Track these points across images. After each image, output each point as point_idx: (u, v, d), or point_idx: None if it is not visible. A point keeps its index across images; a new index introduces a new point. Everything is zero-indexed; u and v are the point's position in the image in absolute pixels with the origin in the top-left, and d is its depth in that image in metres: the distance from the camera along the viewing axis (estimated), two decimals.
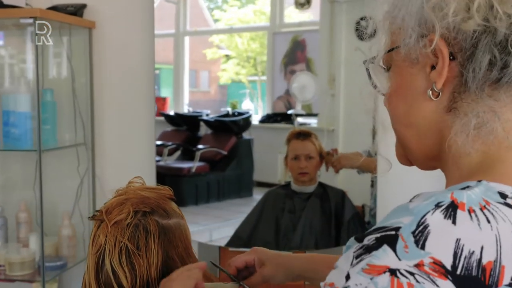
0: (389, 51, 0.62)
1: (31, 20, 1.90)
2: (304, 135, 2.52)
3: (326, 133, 5.06)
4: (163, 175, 5.26)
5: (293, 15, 8.13)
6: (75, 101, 2.20)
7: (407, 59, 0.59)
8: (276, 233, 2.42)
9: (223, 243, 2.55)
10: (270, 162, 5.94)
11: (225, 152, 5.80)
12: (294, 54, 6.66)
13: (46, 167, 2.10)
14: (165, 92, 9.58)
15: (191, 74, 9.61)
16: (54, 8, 2.07)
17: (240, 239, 2.43)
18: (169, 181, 5.26)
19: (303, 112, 6.19)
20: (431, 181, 1.06)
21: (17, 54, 2.26)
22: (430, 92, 0.57)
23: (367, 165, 2.61)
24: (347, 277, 0.48)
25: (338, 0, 5.36)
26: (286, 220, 2.43)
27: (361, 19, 5.64)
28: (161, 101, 8.15)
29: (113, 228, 0.93)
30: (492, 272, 0.46)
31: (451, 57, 0.56)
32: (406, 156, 0.65)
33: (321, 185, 2.51)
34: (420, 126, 0.60)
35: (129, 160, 2.27)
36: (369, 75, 0.67)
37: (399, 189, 1.88)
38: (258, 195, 2.67)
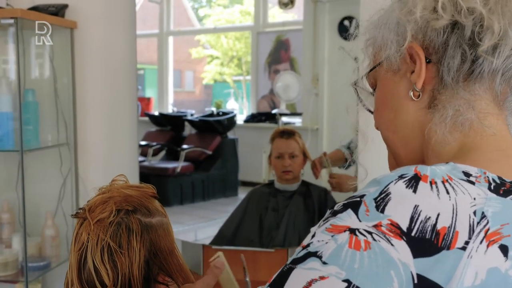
0: (372, 69, 0.67)
1: (11, 21, 1.89)
2: (288, 133, 2.53)
3: (310, 132, 5.11)
4: (148, 175, 5.26)
5: (277, 14, 8.13)
6: (57, 101, 2.20)
7: (390, 70, 0.65)
8: (260, 231, 2.43)
9: (208, 242, 2.55)
10: (255, 161, 5.96)
11: (209, 152, 5.81)
12: (278, 54, 6.69)
13: (28, 167, 2.09)
14: (150, 92, 9.49)
15: (175, 74, 9.54)
16: (35, 8, 2.06)
17: (224, 237, 2.44)
18: (154, 181, 5.23)
19: (287, 111, 6.21)
20: None
21: None
22: (411, 93, 0.62)
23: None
24: (313, 236, 0.52)
25: (321, 0, 5.39)
26: (270, 218, 2.44)
27: (344, 18, 5.66)
28: (145, 101, 8.09)
29: (95, 226, 0.93)
30: (445, 236, 0.49)
31: (427, 60, 0.61)
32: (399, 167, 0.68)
33: (305, 183, 2.53)
34: (405, 129, 0.64)
35: (112, 159, 2.27)
36: (357, 95, 0.72)
37: None
38: (243, 194, 2.69)
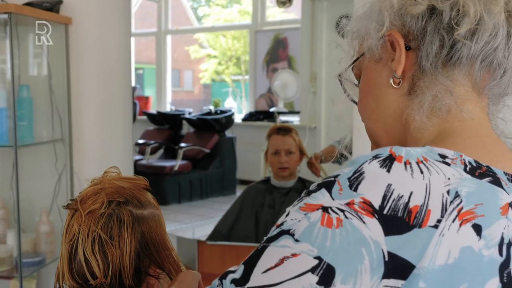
0: (356, 60, 0.68)
1: (5, 16, 1.89)
2: (284, 130, 2.53)
3: (308, 130, 5.10)
4: (146, 174, 5.24)
5: (275, 13, 8.12)
6: (52, 97, 2.19)
7: (372, 59, 0.65)
8: (256, 228, 2.43)
9: None
10: (253, 160, 5.97)
11: (207, 150, 5.80)
12: (276, 52, 6.69)
13: (23, 163, 2.09)
14: (149, 91, 9.50)
15: (174, 74, 9.55)
16: (29, 4, 2.05)
17: (220, 234, 2.44)
18: (152, 179, 5.20)
19: (285, 110, 6.21)
20: None
21: None
22: (391, 80, 0.63)
23: None
24: (287, 215, 0.53)
25: None
26: (266, 215, 2.44)
27: (342, 17, 5.67)
28: (143, 100, 8.08)
29: (87, 218, 0.93)
30: (417, 215, 0.49)
31: (407, 47, 0.61)
32: None
33: (301, 180, 2.52)
34: (387, 117, 0.64)
35: (107, 155, 2.26)
36: (342, 86, 0.73)
37: None
38: (241, 192, 2.70)
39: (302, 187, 2.49)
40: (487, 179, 0.52)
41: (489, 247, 0.49)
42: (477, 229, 0.49)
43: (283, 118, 5.73)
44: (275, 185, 2.50)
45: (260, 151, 5.38)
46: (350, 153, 2.58)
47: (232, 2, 9.16)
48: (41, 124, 2.18)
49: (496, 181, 0.52)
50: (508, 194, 0.52)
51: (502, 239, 0.50)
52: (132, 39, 5.43)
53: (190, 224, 4.71)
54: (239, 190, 5.88)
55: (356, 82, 0.71)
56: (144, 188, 1.02)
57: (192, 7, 9.88)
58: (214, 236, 2.44)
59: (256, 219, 2.45)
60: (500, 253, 0.50)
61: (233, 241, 2.37)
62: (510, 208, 0.52)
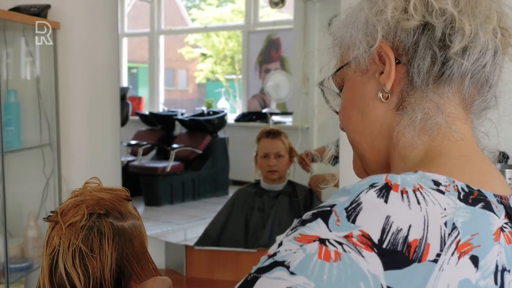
0: (339, 69, 0.66)
1: None
2: (273, 133, 2.54)
3: (301, 131, 5.09)
4: (138, 175, 5.23)
5: (268, 14, 8.10)
6: (40, 102, 2.19)
7: (358, 70, 0.63)
8: (246, 231, 2.43)
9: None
10: (246, 160, 5.92)
11: (200, 151, 5.78)
12: (269, 53, 6.66)
13: (11, 168, 2.08)
14: (143, 91, 9.45)
15: (168, 73, 9.50)
16: (17, 9, 2.05)
17: (209, 237, 2.44)
18: (144, 180, 5.22)
19: (277, 110, 6.20)
20: None
21: None
22: (381, 94, 0.61)
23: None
24: (280, 244, 0.51)
25: None
26: (256, 218, 2.44)
27: (333, 18, 5.68)
28: (136, 101, 8.04)
29: (67, 230, 0.93)
30: (416, 249, 0.48)
31: (397, 61, 0.59)
32: (364, 169, 0.68)
33: (291, 183, 2.53)
34: (373, 130, 0.63)
35: (95, 160, 2.26)
36: (324, 95, 0.71)
37: None
38: None
39: (292, 190, 2.49)
40: (479, 205, 0.52)
41: (485, 277, 0.49)
42: (475, 260, 0.49)
43: (275, 119, 5.73)
44: (264, 188, 2.50)
45: (252, 152, 5.37)
46: (337, 157, 2.58)
47: (226, 1, 9.12)
48: (29, 129, 2.18)
49: (488, 206, 0.52)
50: (499, 218, 0.52)
51: (496, 266, 0.50)
52: (125, 39, 5.42)
53: (182, 225, 4.70)
54: (232, 191, 5.84)
55: (338, 91, 0.68)
56: (125, 199, 1.01)
57: (186, 6, 9.84)
58: (204, 239, 2.44)
59: (246, 222, 2.45)
60: (495, 282, 0.49)
61: (223, 245, 2.37)
62: (501, 232, 0.51)
